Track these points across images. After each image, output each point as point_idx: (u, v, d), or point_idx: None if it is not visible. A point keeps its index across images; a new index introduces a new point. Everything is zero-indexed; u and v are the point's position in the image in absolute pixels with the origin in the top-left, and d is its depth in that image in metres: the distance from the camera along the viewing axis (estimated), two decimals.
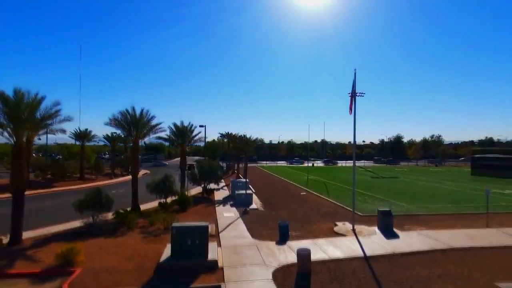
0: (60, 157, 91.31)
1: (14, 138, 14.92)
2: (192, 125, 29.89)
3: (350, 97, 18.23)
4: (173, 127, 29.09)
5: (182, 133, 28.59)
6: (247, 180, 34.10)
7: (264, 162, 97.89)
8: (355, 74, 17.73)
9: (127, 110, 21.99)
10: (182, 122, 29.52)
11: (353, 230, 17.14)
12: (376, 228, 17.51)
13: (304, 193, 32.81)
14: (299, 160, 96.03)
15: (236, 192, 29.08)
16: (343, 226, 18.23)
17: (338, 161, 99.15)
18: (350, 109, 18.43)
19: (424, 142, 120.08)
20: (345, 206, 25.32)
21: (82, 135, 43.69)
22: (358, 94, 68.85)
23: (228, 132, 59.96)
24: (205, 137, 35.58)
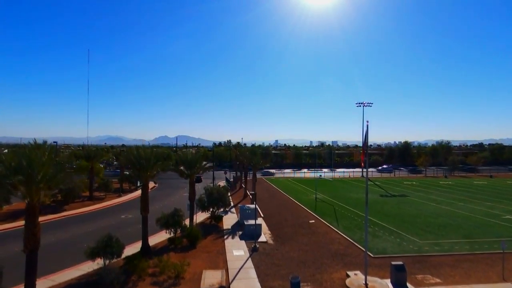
0: (70, 166, 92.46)
1: (28, 199, 14.99)
2: (200, 154, 29.85)
3: (362, 151, 17.73)
4: (181, 155, 29.14)
5: (190, 164, 28.54)
6: (256, 206, 34.03)
7: (272, 170, 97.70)
8: (367, 126, 17.32)
9: (137, 150, 22.01)
10: (191, 153, 29.47)
11: (366, 285, 16.90)
12: (388, 282, 17.25)
13: (313, 221, 32.58)
14: (389, 167, 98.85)
15: (245, 222, 28.97)
16: (355, 277, 17.99)
17: (345, 169, 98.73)
18: (362, 162, 18.02)
19: (433, 149, 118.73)
20: (356, 242, 25.05)
21: (92, 155, 44.08)
22: (365, 104, 68.26)
23: (237, 144, 59.76)
24: (213, 162, 35.40)
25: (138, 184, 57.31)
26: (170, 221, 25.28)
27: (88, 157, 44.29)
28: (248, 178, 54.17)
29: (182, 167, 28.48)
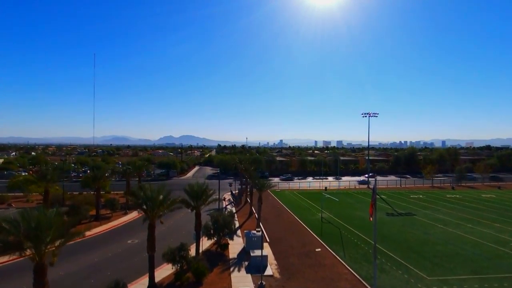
0: (76, 173, 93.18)
1: (37, 258, 15.08)
2: (206, 185, 29.82)
3: (370, 205, 17.55)
4: (187, 188, 29.16)
5: (197, 195, 28.52)
6: (262, 232, 33.97)
7: (276, 178, 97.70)
8: (375, 182, 16.98)
9: (144, 192, 22.05)
10: (197, 182, 29.52)
11: None
12: None
13: (319, 249, 32.36)
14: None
15: (252, 253, 28.87)
16: None
17: (350, 178, 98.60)
18: (371, 215, 17.84)
19: (440, 155, 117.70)
20: (363, 280, 24.79)
21: (99, 176, 44.26)
22: (371, 115, 67.53)
23: (241, 148, 59.54)
24: (218, 196, 35.58)
25: None
26: (177, 256, 25.32)
27: (95, 178, 44.52)
28: (254, 189, 53.71)
29: (188, 199, 28.48)
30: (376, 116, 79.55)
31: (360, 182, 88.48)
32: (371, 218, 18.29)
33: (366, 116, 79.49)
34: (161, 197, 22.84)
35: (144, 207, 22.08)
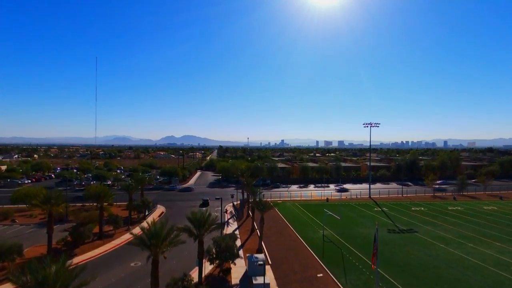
0: (79, 181, 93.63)
1: None
2: (209, 213, 30.03)
3: (372, 255, 17.70)
4: (190, 216, 29.38)
5: (200, 223, 28.74)
6: (264, 258, 34.12)
7: (278, 187, 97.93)
8: (376, 229, 17.19)
9: (149, 228, 22.29)
10: (200, 209, 29.70)
11: None
12: None
13: (321, 274, 32.52)
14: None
15: (254, 281, 29.09)
16: None
17: (352, 185, 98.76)
18: (373, 263, 18.00)
19: (442, 162, 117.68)
20: None
21: (102, 195, 44.53)
22: (373, 125, 67.82)
23: (242, 152, 59.76)
24: (221, 227, 35.81)
25: (147, 213, 57.86)
26: (180, 287, 25.59)
27: (98, 196, 44.81)
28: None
29: (191, 227, 28.71)
30: (378, 126, 79.73)
31: (437, 190, 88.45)
32: (373, 266, 18.44)
33: (367, 126, 79.66)
34: (165, 233, 23.01)
35: (148, 244, 22.28)
